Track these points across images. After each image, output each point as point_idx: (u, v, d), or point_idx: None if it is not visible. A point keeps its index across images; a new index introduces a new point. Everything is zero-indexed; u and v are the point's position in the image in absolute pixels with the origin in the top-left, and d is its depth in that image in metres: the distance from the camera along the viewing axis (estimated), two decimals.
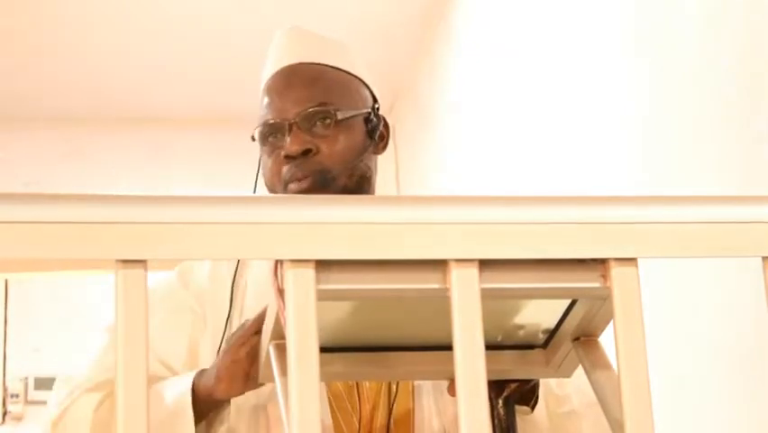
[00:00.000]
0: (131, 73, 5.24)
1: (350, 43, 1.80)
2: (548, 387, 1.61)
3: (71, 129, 5.63)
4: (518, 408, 1.48)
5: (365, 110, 1.69)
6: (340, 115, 1.64)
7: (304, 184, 1.61)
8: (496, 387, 1.35)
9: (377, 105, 1.73)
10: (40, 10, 4.65)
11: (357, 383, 1.59)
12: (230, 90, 5.43)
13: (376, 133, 1.69)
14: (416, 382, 1.61)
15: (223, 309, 1.65)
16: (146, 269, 0.87)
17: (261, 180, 1.72)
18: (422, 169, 4.91)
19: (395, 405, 1.60)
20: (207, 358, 1.60)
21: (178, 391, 1.51)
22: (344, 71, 1.71)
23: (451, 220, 0.93)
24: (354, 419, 1.59)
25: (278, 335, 1.13)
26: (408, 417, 1.61)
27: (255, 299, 1.66)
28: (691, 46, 2.36)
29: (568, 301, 1.17)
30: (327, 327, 1.16)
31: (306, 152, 1.62)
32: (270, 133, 1.66)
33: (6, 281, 6.87)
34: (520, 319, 1.22)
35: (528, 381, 1.40)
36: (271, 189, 1.66)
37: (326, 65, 1.70)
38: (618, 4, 2.84)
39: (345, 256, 0.92)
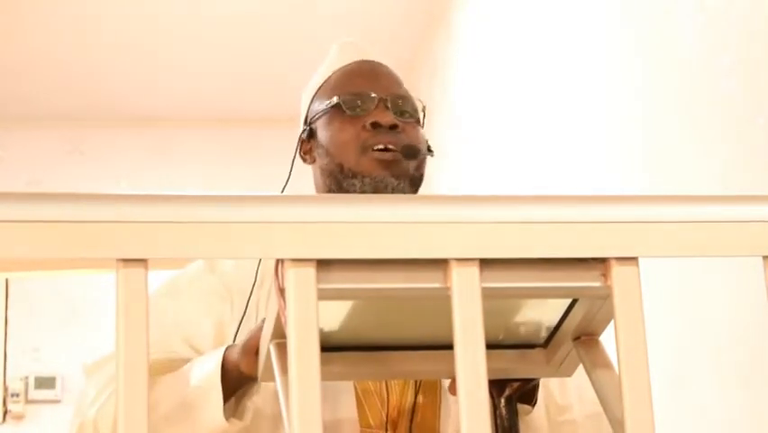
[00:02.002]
0: (131, 73, 5.24)
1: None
2: (550, 395, 1.62)
3: (71, 129, 5.63)
4: (519, 406, 1.48)
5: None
6: (422, 114, 1.72)
7: (395, 153, 1.63)
8: (497, 386, 1.35)
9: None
10: (40, 10, 4.65)
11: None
12: (230, 90, 5.43)
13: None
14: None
15: (248, 294, 1.66)
16: (147, 268, 0.87)
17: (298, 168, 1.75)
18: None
19: (419, 398, 1.60)
20: (235, 341, 1.61)
21: (208, 368, 1.52)
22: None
23: (451, 220, 0.93)
24: (382, 413, 1.59)
25: (279, 334, 1.13)
26: (434, 412, 1.61)
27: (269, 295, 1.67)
28: (692, 46, 2.36)
29: (569, 301, 1.17)
30: (328, 326, 1.16)
31: (395, 127, 1.66)
32: (356, 104, 1.69)
33: (6, 281, 6.87)
34: (521, 318, 1.22)
35: (530, 380, 1.40)
36: (340, 158, 1.67)
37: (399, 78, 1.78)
38: (619, 5, 2.84)
39: (346, 256, 0.92)
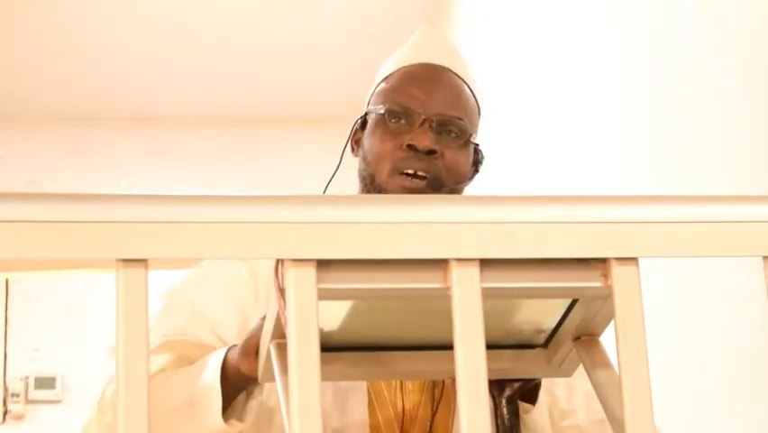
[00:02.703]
0: (131, 73, 5.24)
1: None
2: (555, 401, 1.61)
3: (71, 129, 5.64)
4: (519, 405, 1.48)
5: (478, 141, 1.71)
6: (473, 138, 1.67)
7: (422, 182, 1.60)
8: (498, 386, 1.35)
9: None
10: (40, 10, 4.65)
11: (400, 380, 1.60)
12: (230, 90, 5.42)
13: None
14: None
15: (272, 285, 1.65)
16: (147, 268, 0.87)
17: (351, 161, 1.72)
18: None
19: (440, 404, 1.60)
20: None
21: (211, 368, 1.51)
22: (477, 99, 1.73)
23: (451, 220, 0.93)
24: (394, 415, 1.59)
25: (279, 334, 1.13)
26: (449, 415, 1.60)
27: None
28: (694, 45, 2.36)
29: (569, 301, 1.17)
30: (328, 326, 1.16)
31: (432, 152, 1.62)
32: (400, 118, 1.65)
33: (7, 281, 6.87)
34: (521, 319, 1.22)
35: (531, 379, 1.39)
36: (373, 169, 1.64)
37: (468, 85, 1.72)
38: (620, 5, 2.84)
39: (346, 256, 0.92)
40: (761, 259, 0.97)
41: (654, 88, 2.57)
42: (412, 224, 0.92)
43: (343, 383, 1.55)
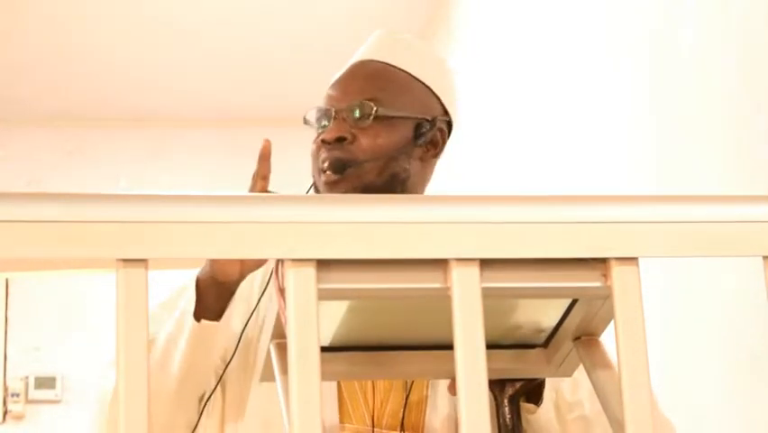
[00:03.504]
0: (131, 73, 5.24)
1: (444, 64, 1.83)
2: (560, 393, 1.61)
3: (71, 129, 5.63)
4: (524, 405, 1.48)
5: (414, 115, 1.71)
6: (381, 111, 1.67)
7: (329, 172, 1.64)
8: (500, 386, 1.35)
9: (442, 118, 1.74)
10: (40, 10, 4.65)
11: None
12: (230, 90, 5.42)
13: (422, 139, 1.70)
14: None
15: (254, 294, 1.68)
16: (147, 268, 0.87)
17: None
18: None
19: (409, 398, 1.61)
20: (237, 323, 1.64)
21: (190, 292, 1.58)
22: (410, 74, 1.73)
23: (451, 220, 0.93)
24: (366, 411, 1.60)
25: (279, 334, 1.13)
26: (421, 411, 1.61)
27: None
28: (692, 45, 2.36)
29: (569, 301, 1.17)
30: (328, 326, 1.16)
31: (341, 140, 1.65)
32: (317, 118, 1.70)
33: (7, 281, 6.87)
34: (521, 318, 1.22)
35: (532, 379, 1.39)
36: (314, 175, 1.69)
37: (394, 65, 1.73)
38: (619, 4, 2.84)
39: (346, 256, 0.92)
40: (761, 259, 0.97)
41: (654, 88, 2.57)
42: (412, 224, 0.92)
43: None
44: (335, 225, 0.91)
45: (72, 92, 5.38)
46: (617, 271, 0.95)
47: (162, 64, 5.17)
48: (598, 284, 0.97)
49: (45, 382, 6.84)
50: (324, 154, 1.66)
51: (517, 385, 1.35)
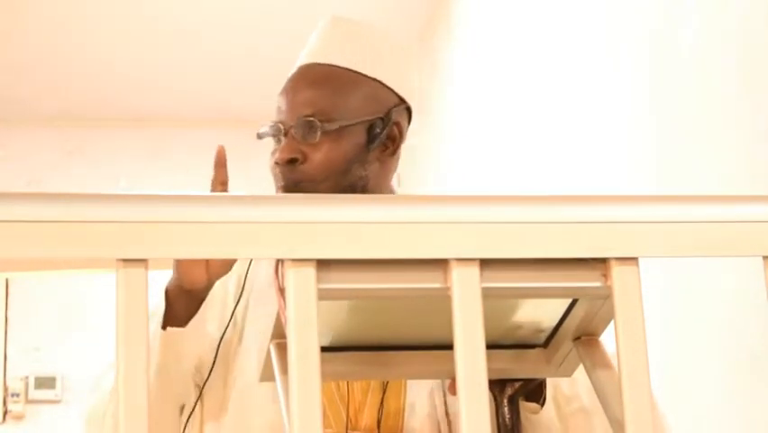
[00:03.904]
0: (131, 73, 5.24)
1: (389, 32, 1.79)
2: (557, 388, 1.61)
3: (71, 129, 5.64)
4: (526, 405, 1.48)
5: (365, 117, 1.68)
6: (327, 126, 1.65)
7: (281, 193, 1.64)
8: (499, 386, 1.35)
9: (397, 108, 1.72)
10: (40, 10, 4.65)
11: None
12: (230, 90, 5.42)
13: (377, 139, 1.68)
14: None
15: (229, 299, 1.68)
16: (147, 268, 0.87)
17: None
18: (422, 169, 4.90)
19: (385, 399, 1.61)
20: (213, 330, 1.65)
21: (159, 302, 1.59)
22: (358, 72, 1.70)
23: (451, 220, 0.93)
24: (343, 412, 1.60)
25: (279, 334, 1.13)
26: (399, 413, 1.61)
27: (258, 298, 1.69)
28: (692, 45, 2.36)
29: (569, 301, 1.17)
30: (328, 326, 1.16)
31: (293, 161, 1.64)
32: (272, 135, 1.69)
33: (7, 281, 6.87)
34: (521, 318, 1.22)
35: (533, 379, 1.39)
36: (276, 191, 1.69)
37: (338, 66, 1.70)
38: (619, 4, 2.84)
39: (346, 256, 0.92)
40: (761, 259, 0.97)
41: (654, 88, 2.57)
42: (412, 224, 0.92)
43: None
44: (335, 225, 0.91)
45: (72, 92, 5.38)
46: (617, 271, 0.95)
47: (162, 64, 5.17)
48: (598, 284, 0.97)
49: (45, 382, 6.84)
50: (278, 175, 1.66)
51: (517, 385, 1.35)
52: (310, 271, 0.90)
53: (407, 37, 4.91)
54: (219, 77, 5.27)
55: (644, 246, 0.95)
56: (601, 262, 0.96)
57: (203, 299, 1.57)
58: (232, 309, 1.67)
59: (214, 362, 1.63)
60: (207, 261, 1.51)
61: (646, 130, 2.62)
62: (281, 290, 0.94)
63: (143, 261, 0.87)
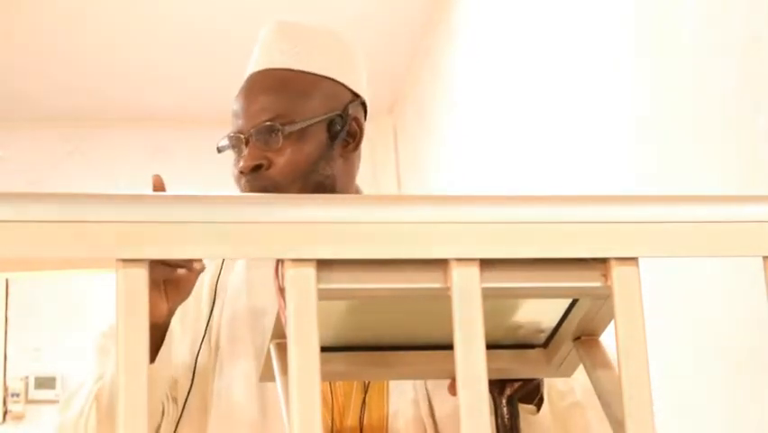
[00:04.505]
0: (131, 73, 5.24)
1: (337, 28, 1.80)
2: (552, 386, 1.61)
3: (71, 129, 5.63)
4: (524, 407, 1.48)
5: (324, 116, 1.69)
6: (288, 129, 1.65)
7: None
8: (498, 386, 1.35)
9: (353, 104, 1.72)
10: (40, 10, 4.65)
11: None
12: (230, 90, 5.42)
13: (339, 137, 1.69)
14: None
15: (202, 306, 1.68)
16: (147, 268, 0.87)
17: None
18: (422, 169, 4.91)
19: (368, 399, 1.61)
20: (185, 350, 1.65)
21: None
22: (312, 74, 1.71)
23: (451, 220, 0.93)
24: (327, 414, 1.60)
25: (279, 334, 1.13)
26: (382, 412, 1.61)
27: (234, 301, 1.68)
28: (692, 45, 2.36)
29: (569, 301, 1.17)
30: (328, 326, 1.16)
31: (258, 168, 1.65)
32: (232, 147, 1.70)
33: (7, 281, 6.87)
34: (521, 319, 1.22)
35: (531, 379, 1.40)
36: None
37: (291, 69, 1.71)
38: (618, 4, 2.84)
39: (346, 256, 0.92)
40: (761, 259, 0.97)
41: (655, 88, 2.57)
42: (412, 224, 0.92)
43: (261, 384, 1.55)
44: (335, 225, 0.91)
45: (72, 92, 5.38)
46: (617, 271, 0.95)
47: (163, 64, 5.17)
48: (598, 284, 0.97)
49: (45, 382, 6.84)
50: (244, 184, 1.65)
51: (516, 386, 1.36)
52: (310, 271, 0.90)
53: (407, 37, 4.91)
54: (219, 77, 5.27)
55: (644, 246, 0.95)
56: (601, 262, 0.96)
57: (166, 328, 1.56)
58: (204, 329, 1.67)
59: (190, 388, 1.63)
60: (165, 290, 1.50)
61: (647, 130, 2.62)
62: (281, 290, 0.94)
63: (143, 261, 0.87)
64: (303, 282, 0.89)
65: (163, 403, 1.63)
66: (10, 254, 0.85)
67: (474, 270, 0.92)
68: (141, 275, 0.87)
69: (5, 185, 5.22)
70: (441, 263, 0.93)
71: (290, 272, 0.89)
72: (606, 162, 2.87)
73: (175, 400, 1.64)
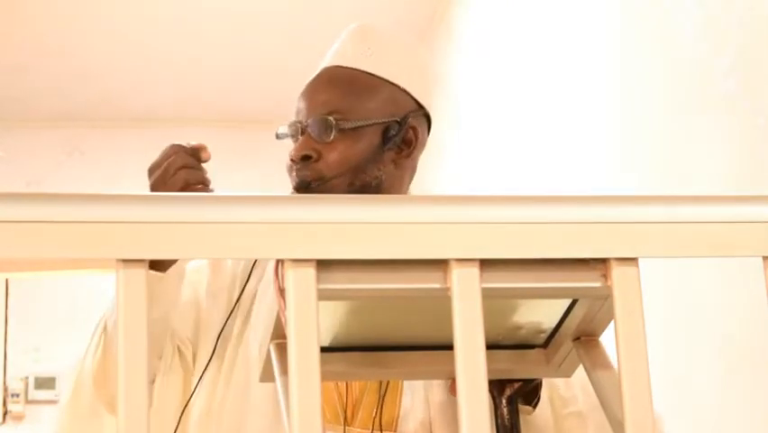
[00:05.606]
0: (131, 73, 5.24)
1: (420, 46, 1.82)
2: (554, 388, 1.62)
3: (71, 129, 5.64)
4: (522, 407, 1.48)
5: (381, 119, 1.69)
6: (343, 125, 1.67)
7: (295, 192, 1.65)
8: (498, 386, 1.35)
9: (415, 114, 1.73)
10: (40, 10, 4.65)
11: None
12: (230, 91, 5.42)
13: (392, 142, 1.70)
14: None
15: (227, 299, 1.69)
16: (147, 268, 0.87)
17: None
18: (422, 169, 4.90)
19: (384, 403, 1.61)
20: (210, 336, 1.66)
21: None
22: (378, 77, 1.72)
23: (451, 220, 0.93)
24: (339, 409, 1.60)
25: (279, 334, 1.13)
26: (395, 411, 1.61)
27: (257, 299, 1.69)
28: (692, 46, 2.36)
29: (569, 301, 1.17)
30: (328, 326, 1.16)
31: (306, 158, 1.65)
32: (290, 135, 1.71)
33: (6, 281, 6.87)
34: (521, 319, 1.22)
35: (531, 380, 1.40)
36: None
37: (360, 70, 1.72)
38: (618, 4, 2.84)
39: (346, 256, 0.92)
40: (761, 259, 0.97)
41: (654, 89, 2.57)
42: (412, 224, 0.92)
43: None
44: (335, 225, 0.91)
45: (72, 92, 5.38)
46: (617, 271, 0.95)
47: (163, 64, 5.17)
48: (598, 284, 0.97)
49: (45, 383, 6.84)
50: (293, 173, 1.67)
51: (516, 385, 1.36)
52: (310, 271, 0.90)
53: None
54: (219, 77, 5.27)
55: (644, 246, 0.95)
56: (601, 263, 0.96)
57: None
58: (235, 301, 1.68)
59: (212, 353, 1.64)
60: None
61: (647, 130, 2.62)
62: (281, 291, 0.94)
63: (143, 261, 0.87)
64: (303, 282, 0.89)
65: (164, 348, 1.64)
66: (10, 254, 0.85)
67: (474, 270, 0.92)
68: (141, 275, 0.87)
69: (5, 185, 5.22)
70: (441, 263, 0.93)
71: (290, 272, 0.89)
72: (606, 162, 2.87)
73: (180, 351, 1.66)
